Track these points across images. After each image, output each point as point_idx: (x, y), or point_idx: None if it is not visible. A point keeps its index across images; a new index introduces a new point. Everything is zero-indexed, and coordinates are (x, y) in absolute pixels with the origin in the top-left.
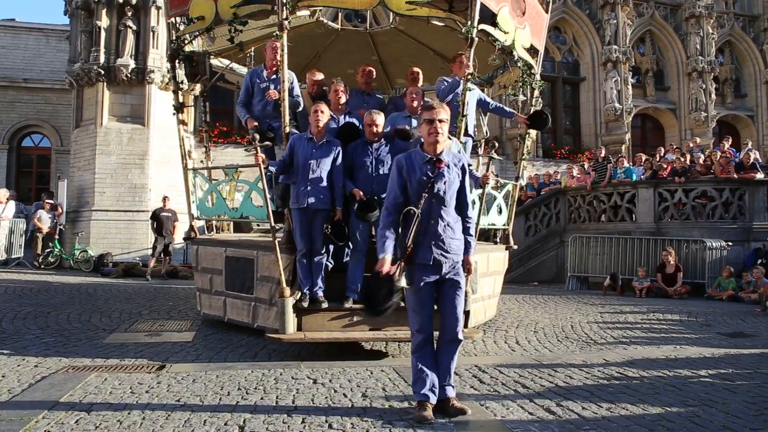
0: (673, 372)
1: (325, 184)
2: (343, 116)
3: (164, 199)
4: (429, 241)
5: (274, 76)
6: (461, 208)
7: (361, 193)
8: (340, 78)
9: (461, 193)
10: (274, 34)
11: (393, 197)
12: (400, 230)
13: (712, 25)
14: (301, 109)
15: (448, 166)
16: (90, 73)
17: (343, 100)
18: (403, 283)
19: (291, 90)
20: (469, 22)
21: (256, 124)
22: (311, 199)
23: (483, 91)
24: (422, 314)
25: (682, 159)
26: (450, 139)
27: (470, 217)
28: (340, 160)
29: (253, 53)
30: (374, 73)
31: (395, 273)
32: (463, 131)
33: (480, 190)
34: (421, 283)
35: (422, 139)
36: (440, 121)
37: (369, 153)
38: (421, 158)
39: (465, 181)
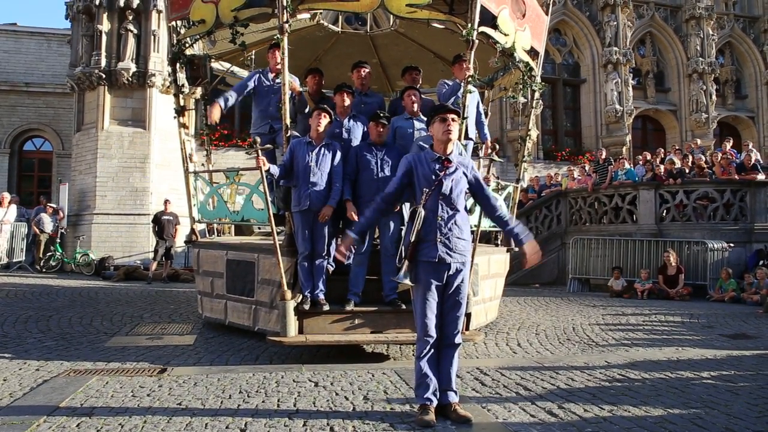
0: (675, 374)
1: (325, 186)
2: (347, 119)
3: (165, 202)
4: (434, 238)
5: (279, 79)
6: (485, 204)
7: (354, 215)
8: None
9: (479, 191)
10: (275, 37)
11: (391, 188)
12: (405, 228)
13: (713, 26)
14: (307, 110)
15: (456, 167)
16: (91, 77)
17: (347, 102)
18: (407, 281)
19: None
20: (470, 25)
21: (215, 112)
22: (312, 202)
23: (483, 94)
24: (429, 319)
25: (680, 162)
26: None
27: (498, 207)
28: (338, 160)
29: (253, 56)
30: (367, 72)
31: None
32: (463, 134)
33: None
34: (431, 285)
35: (429, 143)
36: (453, 120)
37: (374, 155)
38: (430, 157)
39: (479, 180)
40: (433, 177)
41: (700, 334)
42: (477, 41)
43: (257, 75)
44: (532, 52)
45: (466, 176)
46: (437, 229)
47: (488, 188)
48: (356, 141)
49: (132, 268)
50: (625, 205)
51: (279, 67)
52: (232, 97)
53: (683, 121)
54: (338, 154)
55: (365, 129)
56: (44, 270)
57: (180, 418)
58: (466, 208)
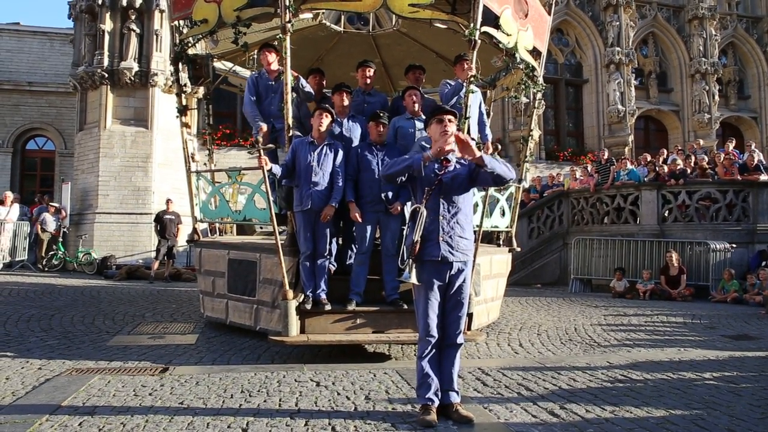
0: (677, 375)
1: (327, 186)
2: (346, 119)
3: (167, 201)
4: (436, 237)
5: (277, 75)
6: (485, 179)
7: (359, 216)
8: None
9: (474, 172)
10: (278, 36)
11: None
12: (407, 228)
13: (715, 26)
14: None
15: (456, 166)
16: (94, 77)
17: (346, 102)
18: (413, 279)
19: (301, 89)
20: (472, 25)
21: (264, 129)
22: (314, 202)
23: (486, 94)
24: (431, 319)
25: (681, 163)
26: None
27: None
28: (340, 161)
29: (256, 56)
30: (371, 70)
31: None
32: (465, 134)
33: (483, 193)
34: (433, 285)
35: (428, 144)
36: (450, 121)
37: (375, 155)
38: None
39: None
40: (433, 176)
41: (703, 335)
42: (479, 41)
43: (254, 78)
44: (535, 52)
45: (465, 167)
46: (439, 227)
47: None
48: (355, 141)
49: (134, 268)
50: (627, 205)
51: (272, 67)
52: (257, 114)
53: (686, 122)
54: (340, 154)
55: (364, 129)
56: (46, 269)
57: (182, 417)
58: (474, 205)
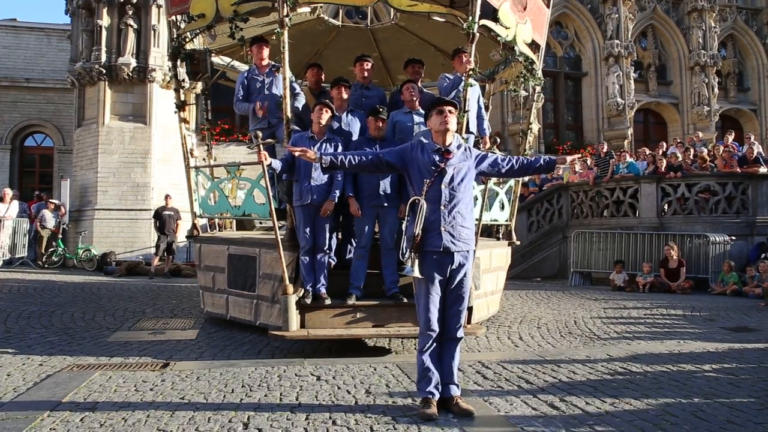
0: (677, 367)
1: (326, 180)
2: (345, 113)
3: (166, 197)
4: (438, 227)
5: (268, 71)
6: (506, 171)
7: (357, 209)
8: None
9: (492, 168)
10: (275, 31)
11: (386, 152)
12: (407, 220)
13: (715, 18)
14: (301, 106)
15: (459, 157)
16: (91, 72)
17: (345, 96)
18: (416, 273)
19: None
20: (470, 18)
21: (259, 106)
22: (314, 196)
23: (485, 87)
24: (432, 313)
25: (681, 155)
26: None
27: (515, 159)
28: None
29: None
30: (369, 64)
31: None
32: (464, 128)
33: (482, 186)
34: (434, 280)
35: (430, 138)
36: (450, 111)
37: (373, 150)
38: (431, 147)
39: (485, 159)
40: (433, 167)
41: (702, 327)
42: (478, 34)
43: (244, 77)
44: (533, 46)
45: (473, 164)
46: (441, 218)
47: (494, 158)
48: (354, 135)
49: (134, 264)
50: (627, 198)
51: (264, 62)
52: (244, 104)
53: (685, 114)
54: (339, 149)
55: (363, 124)
56: (46, 266)
57: (183, 412)
58: (474, 198)
